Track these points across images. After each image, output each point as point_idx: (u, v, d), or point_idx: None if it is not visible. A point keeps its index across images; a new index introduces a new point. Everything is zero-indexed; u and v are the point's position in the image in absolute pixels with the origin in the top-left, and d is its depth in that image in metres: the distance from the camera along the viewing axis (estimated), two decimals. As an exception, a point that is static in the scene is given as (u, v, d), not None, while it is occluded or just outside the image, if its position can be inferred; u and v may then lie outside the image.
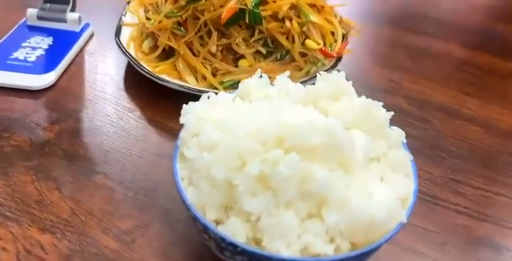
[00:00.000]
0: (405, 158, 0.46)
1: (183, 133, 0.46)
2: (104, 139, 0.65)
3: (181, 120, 0.47)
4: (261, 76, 0.53)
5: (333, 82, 0.48)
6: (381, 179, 0.44)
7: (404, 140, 0.48)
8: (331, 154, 0.41)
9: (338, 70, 0.50)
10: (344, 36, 0.76)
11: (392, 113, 0.48)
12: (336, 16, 0.77)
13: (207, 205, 0.42)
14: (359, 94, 0.49)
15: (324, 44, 0.73)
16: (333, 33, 0.75)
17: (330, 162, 0.41)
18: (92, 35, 0.84)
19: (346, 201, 0.40)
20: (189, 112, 0.47)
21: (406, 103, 0.75)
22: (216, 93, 0.65)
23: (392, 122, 0.48)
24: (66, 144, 0.64)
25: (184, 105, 0.48)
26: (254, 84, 0.51)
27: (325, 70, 0.70)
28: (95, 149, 0.63)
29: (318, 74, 0.50)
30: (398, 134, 0.47)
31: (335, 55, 0.72)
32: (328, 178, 0.39)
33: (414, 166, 0.47)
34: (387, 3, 1.03)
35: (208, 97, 0.50)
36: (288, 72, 0.53)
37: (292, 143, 0.40)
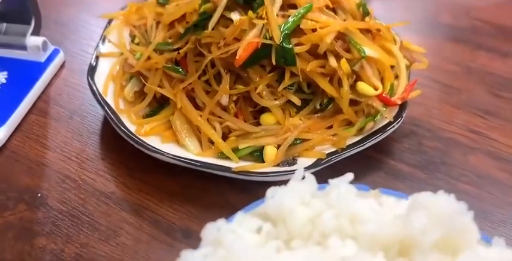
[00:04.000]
0: None
1: None
2: (66, 240, 0.44)
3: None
4: (303, 178, 0.32)
5: (440, 217, 0.27)
6: None
7: None
8: None
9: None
10: (407, 70, 0.54)
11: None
12: (395, 40, 0.55)
13: None
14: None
15: (382, 85, 0.51)
16: (392, 66, 0.53)
17: None
18: (62, 66, 0.63)
19: None
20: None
21: (496, 167, 0.53)
22: (228, 169, 0.45)
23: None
24: (9, 251, 0.43)
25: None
26: (291, 201, 0.30)
27: (389, 126, 0.49)
28: (51, 260, 0.43)
29: (411, 198, 0.28)
30: None
31: (398, 102, 0.51)
32: None
33: None
34: (457, 13, 0.79)
35: (218, 229, 0.29)
36: (349, 176, 0.32)
37: None
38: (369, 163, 0.52)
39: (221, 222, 0.30)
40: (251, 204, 0.33)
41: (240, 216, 0.31)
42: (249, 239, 0.29)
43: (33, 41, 0.61)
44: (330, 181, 0.32)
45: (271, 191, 0.32)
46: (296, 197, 0.31)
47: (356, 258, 0.27)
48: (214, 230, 0.29)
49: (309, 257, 0.27)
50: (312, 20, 0.47)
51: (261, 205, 0.32)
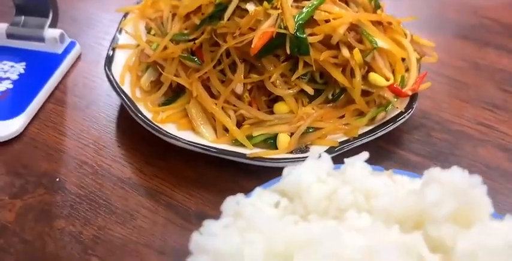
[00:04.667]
0: None
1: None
2: (84, 223, 0.45)
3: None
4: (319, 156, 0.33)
5: (454, 191, 0.28)
6: None
7: None
8: None
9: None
10: (417, 63, 0.55)
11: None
12: (405, 34, 0.56)
13: None
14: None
15: (393, 77, 0.52)
16: (403, 59, 0.54)
17: None
18: (78, 58, 0.64)
19: None
20: (202, 249, 0.27)
21: (506, 159, 0.54)
22: (242, 155, 0.46)
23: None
24: (30, 232, 0.45)
25: (194, 237, 0.28)
26: (308, 178, 0.31)
27: (400, 116, 0.50)
28: (70, 241, 0.44)
29: (426, 173, 0.29)
30: None
31: (409, 93, 0.52)
32: None
33: None
34: (465, 12, 0.80)
35: (237, 202, 0.30)
36: (364, 155, 0.33)
37: None
38: (380, 153, 0.53)
39: (240, 197, 0.31)
40: (268, 182, 0.34)
41: (258, 191, 0.32)
42: (267, 211, 0.30)
43: (50, 33, 0.62)
44: (346, 159, 0.33)
45: (287, 170, 0.33)
46: (312, 175, 0.32)
47: (371, 229, 0.28)
48: (234, 204, 0.30)
49: (325, 228, 0.28)
50: (325, 11, 0.48)
51: (277, 183, 0.33)
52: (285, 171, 0.33)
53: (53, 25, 0.63)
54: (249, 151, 0.48)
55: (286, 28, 0.47)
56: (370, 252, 0.26)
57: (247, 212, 0.29)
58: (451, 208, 0.27)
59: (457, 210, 0.27)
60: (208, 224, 0.28)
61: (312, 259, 0.26)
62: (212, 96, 0.50)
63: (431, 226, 0.27)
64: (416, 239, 0.27)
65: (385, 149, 0.54)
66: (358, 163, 0.32)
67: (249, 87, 0.50)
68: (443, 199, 0.27)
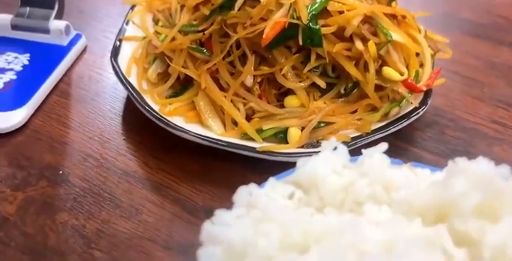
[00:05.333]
0: None
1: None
2: (87, 216, 0.44)
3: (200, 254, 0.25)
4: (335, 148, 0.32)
5: (480, 181, 0.26)
6: None
7: None
8: None
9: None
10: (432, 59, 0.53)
11: None
12: (419, 30, 0.54)
13: None
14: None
15: (407, 72, 0.50)
16: (417, 54, 0.52)
17: None
18: (84, 50, 0.63)
19: None
20: (214, 239, 0.25)
21: (524, 159, 0.52)
22: (252, 149, 0.45)
23: None
24: (31, 225, 0.43)
25: (205, 227, 0.26)
26: (324, 169, 0.30)
27: (414, 112, 0.48)
28: (73, 234, 0.42)
29: (450, 163, 0.28)
30: None
31: (424, 88, 0.50)
32: None
33: None
34: (478, 10, 0.78)
35: (250, 193, 0.29)
36: (383, 146, 0.31)
37: None
38: (392, 150, 0.50)
39: (253, 187, 0.29)
40: (281, 173, 0.33)
41: (271, 182, 0.30)
42: (282, 202, 0.28)
43: (56, 24, 0.61)
44: (364, 150, 0.32)
45: (301, 161, 0.32)
46: (328, 167, 0.31)
47: (392, 222, 0.26)
48: (247, 194, 0.29)
49: (343, 220, 0.26)
50: (338, 2, 0.47)
51: (291, 174, 0.32)
52: (299, 162, 0.32)
53: (59, 17, 0.62)
54: (259, 145, 0.46)
55: (299, 18, 0.45)
56: (390, 245, 0.25)
57: (262, 202, 0.27)
58: (477, 199, 0.25)
59: (483, 201, 0.26)
60: (220, 214, 0.27)
61: (330, 251, 0.25)
62: (221, 88, 0.49)
63: (457, 219, 0.26)
64: (440, 232, 0.25)
65: (398, 146, 0.52)
66: (376, 155, 0.31)
67: (259, 79, 0.48)
68: (469, 190, 0.26)
